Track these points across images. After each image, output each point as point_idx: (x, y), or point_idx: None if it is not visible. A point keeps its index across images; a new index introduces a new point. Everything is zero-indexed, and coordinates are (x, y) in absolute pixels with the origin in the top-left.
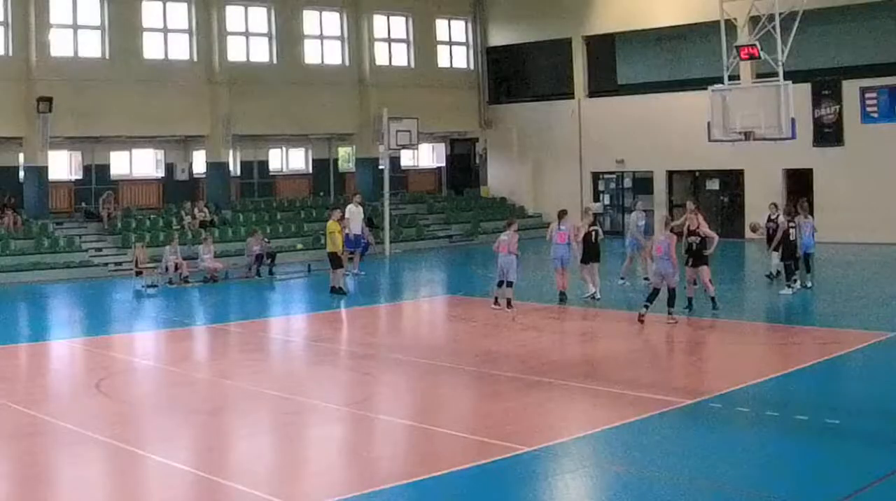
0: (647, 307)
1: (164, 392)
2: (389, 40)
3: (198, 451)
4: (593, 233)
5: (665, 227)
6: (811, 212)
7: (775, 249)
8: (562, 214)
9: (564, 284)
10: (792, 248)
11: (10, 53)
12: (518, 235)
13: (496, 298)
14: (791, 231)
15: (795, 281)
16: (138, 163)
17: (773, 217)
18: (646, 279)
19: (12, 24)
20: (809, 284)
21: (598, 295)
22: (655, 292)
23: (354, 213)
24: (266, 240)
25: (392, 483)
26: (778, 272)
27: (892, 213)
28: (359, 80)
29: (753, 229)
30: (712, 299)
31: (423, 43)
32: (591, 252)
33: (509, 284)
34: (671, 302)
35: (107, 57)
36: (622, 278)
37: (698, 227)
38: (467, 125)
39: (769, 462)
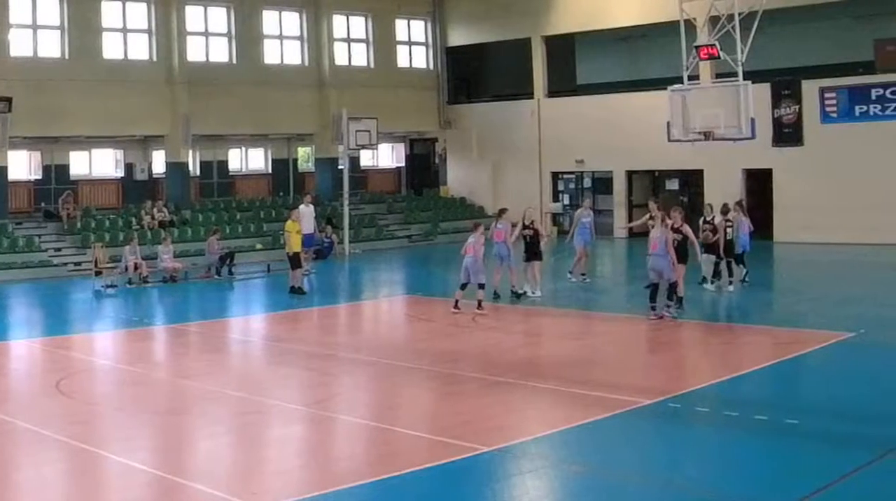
0: (654, 308)
1: (123, 391)
2: (349, 40)
3: (157, 451)
4: (526, 236)
5: (661, 224)
6: (747, 213)
7: (710, 251)
8: (500, 213)
9: (506, 281)
10: (729, 247)
11: None
12: (484, 238)
13: (457, 301)
14: (728, 230)
15: (732, 278)
16: (98, 163)
17: (708, 218)
18: (583, 275)
19: None
20: (746, 280)
21: (539, 294)
22: (655, 288)
23: (305, 213)
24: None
25: (352, 482)
26: (714, 274)
27: (851, 213)
28: (318, 80)
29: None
30: (679, 299)
31: (383, 43)
32: (530, 251)
33: (480, 286)
34: (670, 296)
35: (66, 57)
36: (570, 272)
37: (681, 226)
38: (427, 125)
39: (728, 462)
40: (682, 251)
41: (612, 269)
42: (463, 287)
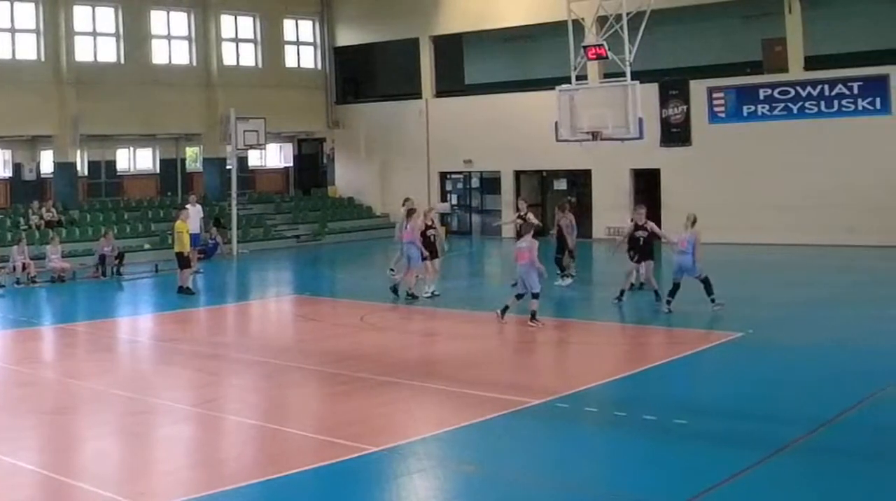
0: (669, 302)
1: (10, 391)
2: (237, 40)
3: (45, 451)
4: (431, 236)
5: (690, 224)
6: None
7: (560, 252)
8: (409, 212)
9: (410, 280)
10: (564, 243)
11: None
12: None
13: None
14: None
15: (568, 274)
16: None
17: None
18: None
19: None
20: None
21: (437, 293)
22: (677, 287)
23: (192, 213)
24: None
25: (240, 483)
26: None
27: (738, 213)
28: (206, 80)
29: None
30: (655, 292)
31: (271, 43)
32: (431, 250)
33: (535, 296)
34: (709, 290)
35: None
36: (392, 269)
37: (645, 223)
38: (315, 125)
39: (617, 462)
40: (648, 247)
41: (503, 270)
42: (519, 297)
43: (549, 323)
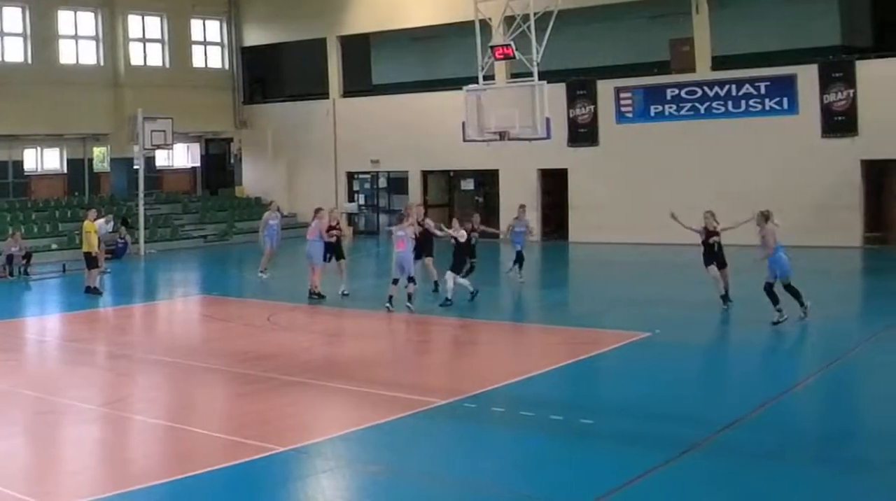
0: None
1: None
2: (144, 40)
3: None
4: (336, 237)
5: (765, 221)
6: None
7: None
8: (316, 212)
9: (317, 281)
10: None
11: None
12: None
13: (390, 297)
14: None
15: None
16: None
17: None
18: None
19: None
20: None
21: (346, 292)
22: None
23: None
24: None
25: (147, 482)
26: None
27: (646, 213)
28: (114, 80)
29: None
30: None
31: (178, 43)
32: (337, 251)
33: (411, 279)
34: (798, 298)
35: None
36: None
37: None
38: (222, 125)
39: (524, 462)
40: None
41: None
42: (395, 282)
43: (457, 324)
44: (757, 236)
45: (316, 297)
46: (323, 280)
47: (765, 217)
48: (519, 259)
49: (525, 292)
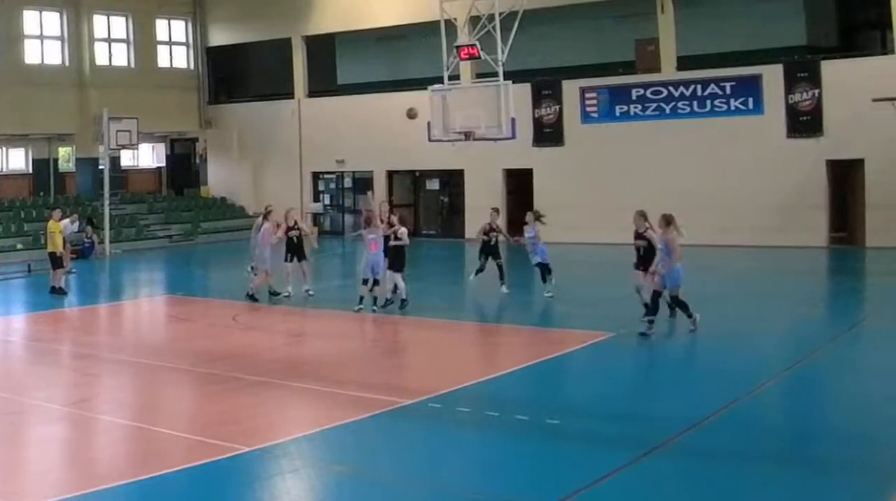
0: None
1: None
2: (109, 40)
3: None
4: (294, 237)
5: (667, 225)
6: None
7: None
8: (267, 212)
9: (259, 284)
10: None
11: None
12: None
13: (361, 298)
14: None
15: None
16: None
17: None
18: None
19: None
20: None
21: (311, 292)
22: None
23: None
24: None
25: (112, 483)
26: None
27: (611, 213)
28: (79, 80)
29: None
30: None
31: (144, 43)
32: (298, 251)
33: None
34: (685, 310)
35: None
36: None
37: (645, 232)
38: (188, 125)
39: (489, 462)
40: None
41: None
42: (365, 282)
43: (422, 324)
44: (659, 240)
45: (275, 295)
46: (286, 281)
47: (667, 221)
48: (545, 271)
49: (491, 293)
